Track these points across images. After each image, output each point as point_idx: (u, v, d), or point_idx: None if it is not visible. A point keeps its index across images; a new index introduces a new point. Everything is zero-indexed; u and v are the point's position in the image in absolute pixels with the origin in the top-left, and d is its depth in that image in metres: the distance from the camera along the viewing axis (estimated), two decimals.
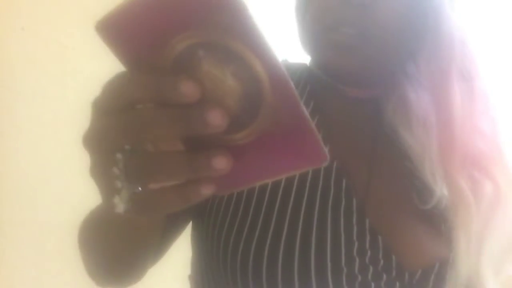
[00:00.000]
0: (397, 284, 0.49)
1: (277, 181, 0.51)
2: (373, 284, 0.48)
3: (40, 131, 1.21)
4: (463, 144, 0.48)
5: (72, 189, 1.10)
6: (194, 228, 0.57)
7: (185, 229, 0.60)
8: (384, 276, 0.48)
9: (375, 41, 0.47)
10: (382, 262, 0.49)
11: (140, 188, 0.26)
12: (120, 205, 0.26)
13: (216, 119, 0.23)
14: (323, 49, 0.50)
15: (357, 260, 0.48)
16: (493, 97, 0.49)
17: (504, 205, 0.48)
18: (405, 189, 0.51)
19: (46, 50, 1.22)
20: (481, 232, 0.48)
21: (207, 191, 0.25)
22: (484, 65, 0.49)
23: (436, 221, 0.50)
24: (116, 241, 0.46)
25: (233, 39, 0.24)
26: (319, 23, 0.49)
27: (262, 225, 0.49)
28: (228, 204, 0.51)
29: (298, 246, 0.47)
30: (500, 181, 0.48)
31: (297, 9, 0.52)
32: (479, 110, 0.48)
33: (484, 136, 0.48)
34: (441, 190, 0.49)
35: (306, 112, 0.26)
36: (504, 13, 0.55)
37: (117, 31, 0.26)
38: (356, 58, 0.48)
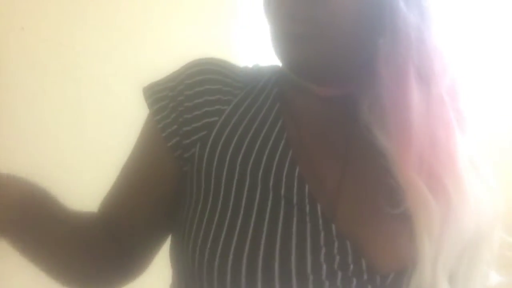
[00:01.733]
0: (369, 287, 0.48)
1: (240, 188, 0.51)
2: None
3: (40, 131, 1.21)
4: (420, 148, 0.46)
5: (72, 188, 1.10)
6: (172, 247, 0.57)
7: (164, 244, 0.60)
8: (354, 281, 0.48)
9: (328, 31, 0.47)
10: (352, 266, 0.48)
11: None
12: None
13: None
14: (278, 41, 0.50)
15: (325, 266, 0.47)
16: (449, 102, 0.48)
17: (454, 219, 0.46)
18: (379, 190, 0.50)
19: (46, 50, 1.22)
20: (438, 238, 0.47)
21: None
22: (441, 68, 0.48)
23: (410, 223, 0.48)
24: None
25: None
26: (275, 16, 0.49)
27: (227, 232, 0.48)
28: (201, 216, 0.51)
29: (261, 254, 0.47)
30: (451, 192, 0.46)
31: (263, 6, 0.52)
32: (434, 114, 0.47)
33: (438, 141, 0.47)
34: None
35: None
36: (467, 14, 0.54)
37: None
38: (309, 48, 0.48)
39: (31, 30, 1.21)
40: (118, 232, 0.56)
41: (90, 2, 1.31)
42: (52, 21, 1.23)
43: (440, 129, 0.47)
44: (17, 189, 0.52)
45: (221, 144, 0.53)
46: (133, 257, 0.58)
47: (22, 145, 1.18)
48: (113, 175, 0.58)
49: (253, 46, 1.45)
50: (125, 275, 0.59)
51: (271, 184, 0.50)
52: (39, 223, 0.52)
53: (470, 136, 0.50)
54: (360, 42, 0.49)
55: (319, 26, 0.47)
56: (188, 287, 0.52)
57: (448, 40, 0.49)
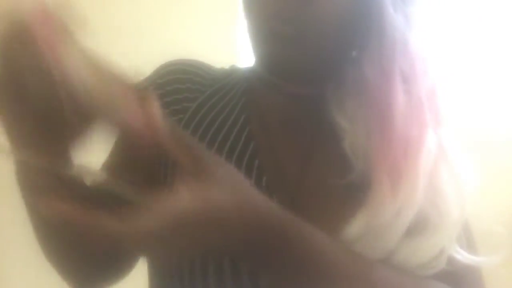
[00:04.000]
0: None
1: None
2: None
3: None
4: (395, 147, 0.47)
5: None
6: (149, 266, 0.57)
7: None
8: None
9: (312, 32, 0.47)
10: None
11: None
12: None
13: None
14: (260, 40, 0.50)
15: None
16: (426, 103, 0.48)
17: (395, 224, 0.46)
18: (339, 184, 0.50)
19: None
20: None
21: None
22: (423, 71, 0.49)
23: None
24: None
25: None
26: (259, 15, 0.49)
27: None
28: None
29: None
30: (400, 195, 0.46)
31: (243, 3, 0.52)
32: (412, 115, 0.48)
33: (410, 141, 0.47)
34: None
35: None
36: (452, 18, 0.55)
37: None
38: (292, 48, 0.48)
39: None
40: None
41: (90, 2, 1.31)
42: None
43: (414, 129, 0.48)
44: None
45: None
46: (118, 257, 0.58)
47: None
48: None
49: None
50: (114, 275, 0.59)
51: None
52: None
53: (446, 135, 0.51)
54: (343, 43, 0.50)
55: (304, 27, 0.47)
56: (162, 285, 0.53)
57: (429, 44, 0.50)
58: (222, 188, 0.36)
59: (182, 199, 0.34)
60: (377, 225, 0.46)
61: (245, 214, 0.37)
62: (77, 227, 0.33)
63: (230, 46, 1.41)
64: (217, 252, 0.39)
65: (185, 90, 0.57)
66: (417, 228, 0.47)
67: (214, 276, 0.48)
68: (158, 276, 0.55)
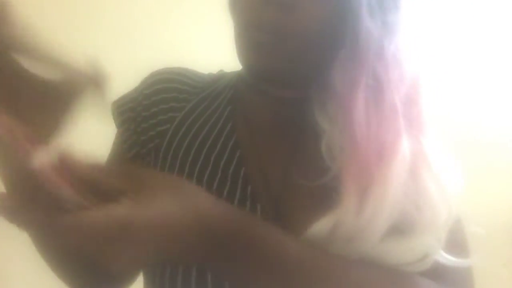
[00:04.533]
0: None
1: None
2: None
3: None
4: (366, 154, 0.47)
5: None
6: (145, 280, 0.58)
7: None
8: None
9: (292, 40, 0.47)
10: None
11: None
12: None
13: None
14: (243, 48, 0.50)
15: None
16: (401, 110, 0.48)
17: (367, 228, 0.46)
18: (321, 191, 0.50)
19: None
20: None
21: None
22: (398, 77, 0.48)
23: None
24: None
25: None
26: (241, 22, 0.49)
27: None
28: None
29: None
30: (369, 202, 0.46)
31: (229, 9, 0.52)
32: (384, 122, 0.47)
33: (384, 148, 0.47)
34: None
35: None
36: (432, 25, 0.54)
37: None
38: (271, 55, 0.48)
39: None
40: None
41: (90, 2, 1.31)
42: (52, 21, 1.23)
43: (388, 136, 0.47)
44: None
45: (172, 150, 0.55)
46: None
47: None
48: None
49: None
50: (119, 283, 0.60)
51: (215, 185, 0.52)
52: None
53: (427, 141, 0.50)
54: (322, 50, 0.50)
55: (283, 35, 0.47)
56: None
57: (408, 49, 0.49)
58: (164, 196, 0.37)
59: (125, 205, 0.35)
60: (346, 229, 0.46)
61: (192, 220, 0.37)
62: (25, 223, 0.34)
63: (228, 47, 1.40)
64: (172, 256, 0.39)
65: (171, 99, 0.57)
66: (402, 229, 0.47)
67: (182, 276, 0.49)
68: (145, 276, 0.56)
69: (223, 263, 0.40)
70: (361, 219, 0.46)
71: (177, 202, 0.37)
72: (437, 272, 0.48)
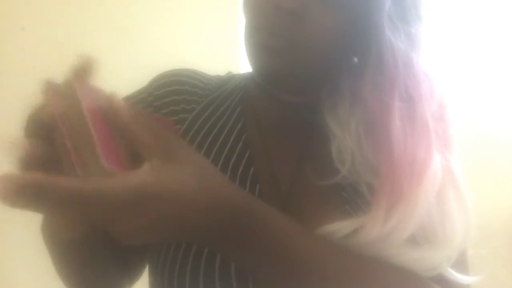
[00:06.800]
0: None
1: None
2: None
3: None
4: (398, 169, 0.47)
5: None
6: (150, 274, 0.58)
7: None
8: None
9: (302, 51, 0.47)
10: None
11: None
12: None
13: None
14: (253, 51, 0.50)
15: None
16: (432, 125, 0.48)
17: (386, 240, 0.46)
18: (329, 193, 0.51)
19: (46, 50, 1.22)
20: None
21: None
22: (429, 92, 0.48)
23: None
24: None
25: None
26: (252, 26, 0.49)
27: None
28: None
29: (205, 256, 0.49)
30: (393, 219, 0.46)
31: (243, 9, 0.52)
32: (417, 137, 0.47)
33: (415, 164, 0.47)
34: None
35: None
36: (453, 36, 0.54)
37: None
38: (282, 63, 0.48)
39: (31, 30, 1.21)
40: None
41: (90, 2, 1.31)
42: (52, 21, 1.24)
43: (420, 152, 0.47)
44: None
45: None
46: (128, 265, 0.58)
47: None
48: None
49: None
50: (121, 283, 0.59)
51: None
52: None
53: (454, 159, 0.50)
54: (334, 60, 0.50)
55: (294, 42, 0.47)
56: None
57: (436, 65, 0.49)
58: (185, 169, 0.36)
59: (144, 173, 0.34)
60: (366, 236, 0.46)
61: (208, 195, 0.37)
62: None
63: (232, 49, 1.41)
64: (183, 233, 0.38)
65: (182, 101, 0.58)
66: (418, 241, 0.47)
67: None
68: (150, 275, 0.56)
69: (232, 245, 0.40)
70: (383, 230, 0.46)
71: (196, 179, 0.37)
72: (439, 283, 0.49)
